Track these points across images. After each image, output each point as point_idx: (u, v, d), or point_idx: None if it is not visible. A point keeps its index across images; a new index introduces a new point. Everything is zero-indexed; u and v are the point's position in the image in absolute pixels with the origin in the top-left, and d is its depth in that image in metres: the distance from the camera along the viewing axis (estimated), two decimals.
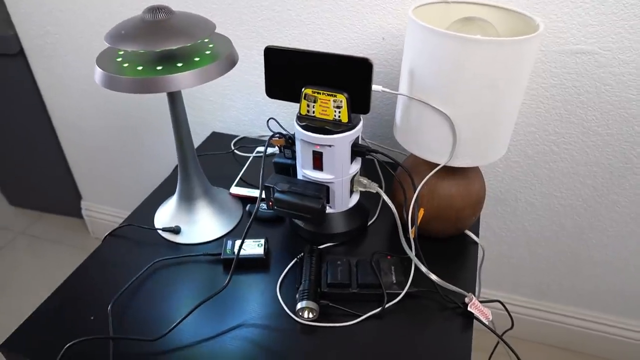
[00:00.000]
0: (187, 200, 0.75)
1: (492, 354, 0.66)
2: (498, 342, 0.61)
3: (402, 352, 0.58)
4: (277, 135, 0.72)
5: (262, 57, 0.93)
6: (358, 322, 0.61)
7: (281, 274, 0.68)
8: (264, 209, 0.79)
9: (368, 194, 0.83)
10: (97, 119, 1.18)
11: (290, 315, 0.62)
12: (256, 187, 0.84)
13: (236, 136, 1.01)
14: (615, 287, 1.00)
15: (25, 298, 1.29)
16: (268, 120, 0.89)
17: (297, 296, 0.63)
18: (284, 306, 0.63)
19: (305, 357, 0.57)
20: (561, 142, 0.84)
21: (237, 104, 1.01)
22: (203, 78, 0.58)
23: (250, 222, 0.63)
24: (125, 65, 0.59)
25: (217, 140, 1.00)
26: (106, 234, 0.75)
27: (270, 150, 0.93)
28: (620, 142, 0.81)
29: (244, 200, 0.82)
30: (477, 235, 0.75)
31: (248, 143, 0.98)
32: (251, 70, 0.95)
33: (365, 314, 0.62)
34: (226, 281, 0.61)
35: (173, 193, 0.83)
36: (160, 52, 0.62)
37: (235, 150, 0.93)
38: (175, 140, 0.70)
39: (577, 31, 0.73)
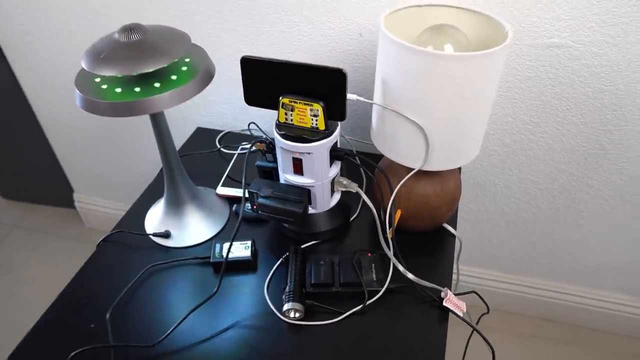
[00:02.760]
0: (175, 205, 0.78)
1: (468, 342, 0.72)
2: (472, 331, 0.66)
3: (382, 346, 0.62)
4: (258, 141, 0.74)
5: (242, 55, 0.93)
6: (341, 319, 0.66)
7: (268, 275, 0.72)
8: (249, 209, 0.82)
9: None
10: (83, 115, 1.18)
11: (277, 316, 0.66)
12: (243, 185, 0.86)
13: (220, 131, 1.02)
14: (589, 262, 1.05)
15: (28, 291, 1.33)
16: (249, 125, 0.90)
17: (283, 297, 0.66)
18: (271, 307, 0.67)
19: (293, 354, 0.62)
20: (537, 131, 0.87)
21: (218, 99, 1.02)
22: (182, 97, 0.60)
23: (237, 228, 0.66)
24: (104, 87, 0.60)
25: (202, 136, 1.02)
26: (100, 239, 0.78)
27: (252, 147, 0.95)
28: (594, 130, 0.84)
29: (231, 200, 0.85)
30: (454, 227, 0.78)
31: (232, 138, 1.00)
32: (231, 67, 0.96)
33: (347, 311, 0.66)
34: (216, 287, 0.65)
35: (160, 195, 0.85)
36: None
37: (222, 149, 0.95)
38: (160, 153, 0.72)
39: (551, 25, 0.74)
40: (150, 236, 0.78)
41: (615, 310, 1.11)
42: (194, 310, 0.63)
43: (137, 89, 0.59)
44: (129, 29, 0.59)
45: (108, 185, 1.36)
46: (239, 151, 0.95)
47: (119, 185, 1.34)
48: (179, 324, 0.63)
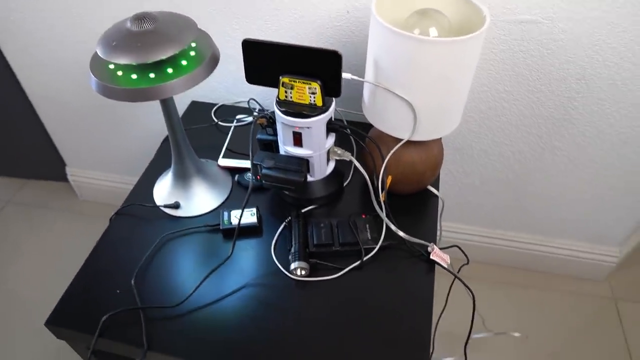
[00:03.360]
0: (182, 178, 0.84)
1: (450, 289, 0.82)
2: (454, 279, 0.76)
3: (379, 296, 0.71)
4: (261, 116, 0.80)
5: (235, 32, 0.97)
6: (342, 275, 0.74)
7: (273, 238, 0.79)
8: (252, 179, 0.88)
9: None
10: (75, 92, 1.20)
11: (285, 274, 0.74)
12: (242, 155, 0.92)
13: (215, 104, 1.07)
14: (554, 215, 1.17)
15: (26, 263, 1.38)
16: (249, 101, 0.95)
17: (289, 257, 0.75)
18: (279, 266, 0.75)
19: (300, 307, 0.70)
20: (510, 98, 0.95)
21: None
22: (193, 82, 0.65)
23: (247, 197, 0.73)
24: (120, 74, 0.64)
25: (198, 109, 1.06)
26: (113, 213, 0.84)
27: (249, 118, 1.01)
28: (560, 97, 0.92)
29: (232, 170, 0.91)
30: (437, 189, 0.87)
31: (227, 111, 1.05)
32: (224, 43, 0.99)
33: (347, 267, 0.75)
34: (230, 251, 0.73)
35: (164, 168, 0.91)
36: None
37: (220, 122, 1.00)
38: (169, 132, 0.77)
39: (522, 3, 0.81)
40: (161, 207, 0.84)
41: (577, 257, 1.25)
42: (211, 272, 0.71)
43: (152, 75, 0.64)
44: (141, 18, 0.64)
45: (101, 158, 1.39)
46: (235, 124, 1.00)
47: (112, 157, 1.38)
48: (199, 285, 0.71)
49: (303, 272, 0.74)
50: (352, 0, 0.86)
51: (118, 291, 0.73)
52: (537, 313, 1.25)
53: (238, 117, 1.02)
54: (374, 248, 0.76)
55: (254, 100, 0.94)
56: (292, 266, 0.73)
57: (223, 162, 0.92)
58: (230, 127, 1.00)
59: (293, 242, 0.76)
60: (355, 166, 0.91)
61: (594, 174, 1.05)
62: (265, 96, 1.07)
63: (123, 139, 1.31)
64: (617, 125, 0.94)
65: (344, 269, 0.75)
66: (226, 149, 0.94)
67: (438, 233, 0.92)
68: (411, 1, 0.72)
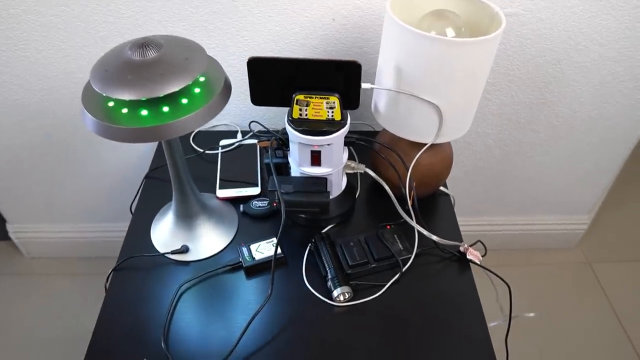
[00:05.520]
0: (186, 218, 0.75)
1: None
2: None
3: (424, 307, 0.69)
4: (267, 138, 0.74)
5: (210, 50, 0.89)
6: (384, 292, 0.71)
7: (301, 267, 0.74)
8: (258, 206, 0.82)
9: None
10: (9, 139, 1.04)
11: (327, 302, 0.69)
12: (237, 184, 0.85)
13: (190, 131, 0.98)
14: (531, 194, 1.23)
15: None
16: (250, 123, 0.89)
17: (328, 284, 0.70)
18: (318, 296, 0.70)
19: (351, 334, 0.66)
20: (492, 89, 0.98)
21: None
22: (212, 113, 0.58)
23: (281, 228, 0.66)
24: (125, 111, 0.56)
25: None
26: (110, 270, 0.73)
27: (227, 141, 0.94)
28: (537, 83, 0.97)
29: (233, 201, 0.84)
30: (445, 187, 0.87)
31: (206, 137, 0.97)
32: None
33: (387, 282, 0.72)
34: (270, 289, 0.66)
35: (153, 211, 0.81)
36: None
37: (207, 151, 0.92)
38: (170, 169, 0.69)
39: None
40: (167, 255, 0.75)
41: (550, 230, 1.33)
42: (254, 316, 0.64)
43: (166, 109, 0.56)
44: (143, 45, 0.55)
45: (47, 207, 1.22)
46: (220, 150, 0.92)
47: (61, 205, 1.22)
48: (244, 333, 0.64)
49: (347, 297, 0.69)
50: (338, 7, 0.83)
51: (145, 359, 0.63)
52: (524, 289, 1.31)
53: (222, 143, 0.94)
54: (409, 258, 0.74)
55: (257, 122, 0.87)
56: (335, 293, 0.68)
57: (222, 193, 0.84)
58: (217, 154, 0.92)
59: (327, 267, 0.71)
60: (360, 177, 0.89)
61: (565, 150, 1.12)
62: (242, 116, 1.00)
63: (72, 182, 1.16)
64: (587, 103, 1.01)
65: (384, 285, 0.72)
66: (220, 180, 0.87)
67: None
68: (419, 3, 0.71)
